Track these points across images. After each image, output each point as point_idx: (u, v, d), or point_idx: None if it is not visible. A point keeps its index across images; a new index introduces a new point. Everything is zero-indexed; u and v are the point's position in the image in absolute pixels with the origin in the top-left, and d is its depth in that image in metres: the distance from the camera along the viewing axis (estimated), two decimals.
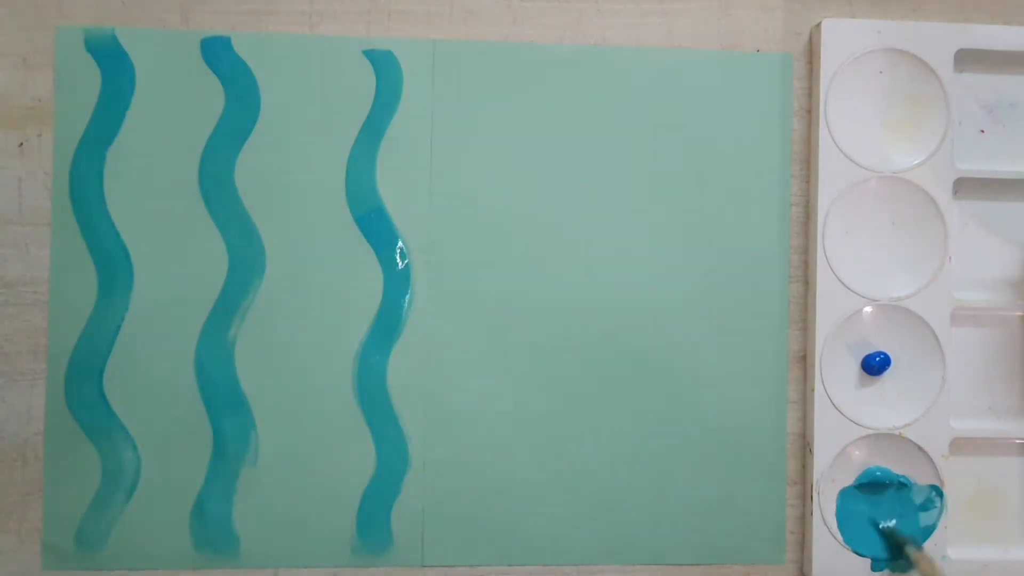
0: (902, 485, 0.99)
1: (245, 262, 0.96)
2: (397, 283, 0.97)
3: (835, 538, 0.98)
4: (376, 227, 0.97)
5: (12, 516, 0.95)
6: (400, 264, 0.97)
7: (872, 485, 0.99)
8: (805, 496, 1.00)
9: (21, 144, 0.95)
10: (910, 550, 0.96)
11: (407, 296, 0.97)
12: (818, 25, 0.99)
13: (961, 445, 0.99)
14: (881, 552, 0.99)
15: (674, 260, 0.99)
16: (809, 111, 1.01)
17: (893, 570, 0.98)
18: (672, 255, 0.99)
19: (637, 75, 1.00)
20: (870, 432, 0.98)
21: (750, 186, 1.00)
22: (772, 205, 1.00)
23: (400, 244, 0.97)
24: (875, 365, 0.98)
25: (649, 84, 1.00)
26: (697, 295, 0.99)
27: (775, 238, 1.00)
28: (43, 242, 0.95)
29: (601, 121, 0.99)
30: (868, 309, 0.99)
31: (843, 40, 0.99)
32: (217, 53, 0.97)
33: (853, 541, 0.99)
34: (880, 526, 0.99)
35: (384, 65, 0.98)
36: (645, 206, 0.99)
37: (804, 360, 1.01)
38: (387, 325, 0.97)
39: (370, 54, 0.98)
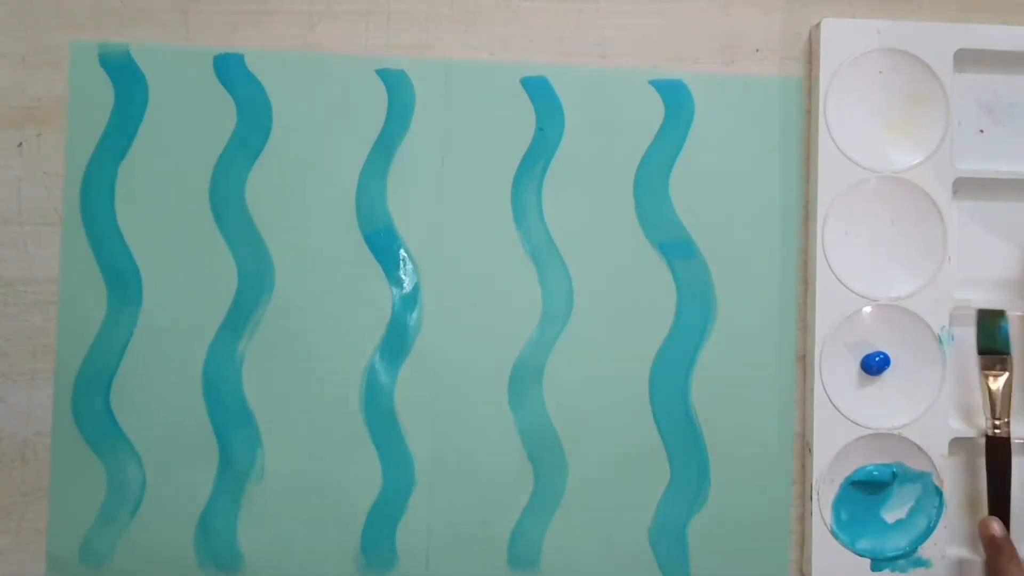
0: (896, 477, 0.99)
1: (254, 279, 0.96)
2: (405, 302, 0.97)
3: (835, 538, 0.98)
4: (385, 245, 0.97)
5: (12, 516, 0.95)
6: (408, 283, 0.97)
7: (869, 484, 0.99)
8: (805, 496, 1.00)
9: (20, 144, 0.95)
10: None
11: (415, 315, 0.97)
12: (817, 25, 0.99)
13: (960, 445, 0.99)
14: (878, 551, 0.99)
15: (681, 282, 0.99)
16: (808, 111, 1.01)
17: (893, 569, 0.98)
18: (680, 276, 0.99)
19: (641, 93, 1.00)
20: (870, 432, 0.98)
21: (760, 211, 1.01)
22: (776, 214, 1.01)
23: (409, 263, 0.97)
24: (874, 365, 0.98)
25: (655, 104, 1.00)
26: (706, 319, 1.00)
27: (779, 243, 1.01)
28: (42, 242, 0.95)
29: (612, 143, 1.00)
30: (867, 309, 0.99)
31: (842, 40, 0.99)
32: (230, 70, 0.97)
33: (853, 541, 0.99)
34: None
35: (396, 84, 0.98)
36: (654, 227, 0.99)
37: (804, 360, 1.01)
38: (395, 343, 0.97)
39: (383, 73, 0.98)
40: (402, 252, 0.98)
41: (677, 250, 0.99)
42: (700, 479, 1.00)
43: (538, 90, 0.99)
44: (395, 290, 0.97)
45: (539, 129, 0.99)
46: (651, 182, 0.99)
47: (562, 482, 0.99)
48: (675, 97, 1.00)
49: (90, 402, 0.95)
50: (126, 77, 0.97)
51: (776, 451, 1.01)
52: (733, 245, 1.00)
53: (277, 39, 0.98)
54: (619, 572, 1.00)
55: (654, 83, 1.00)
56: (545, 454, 0.98)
